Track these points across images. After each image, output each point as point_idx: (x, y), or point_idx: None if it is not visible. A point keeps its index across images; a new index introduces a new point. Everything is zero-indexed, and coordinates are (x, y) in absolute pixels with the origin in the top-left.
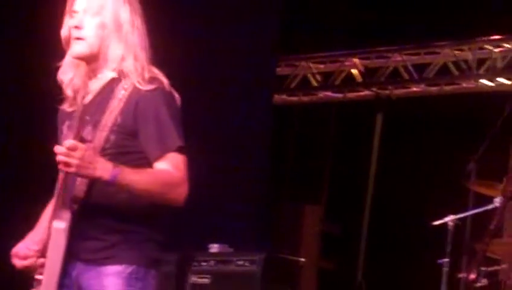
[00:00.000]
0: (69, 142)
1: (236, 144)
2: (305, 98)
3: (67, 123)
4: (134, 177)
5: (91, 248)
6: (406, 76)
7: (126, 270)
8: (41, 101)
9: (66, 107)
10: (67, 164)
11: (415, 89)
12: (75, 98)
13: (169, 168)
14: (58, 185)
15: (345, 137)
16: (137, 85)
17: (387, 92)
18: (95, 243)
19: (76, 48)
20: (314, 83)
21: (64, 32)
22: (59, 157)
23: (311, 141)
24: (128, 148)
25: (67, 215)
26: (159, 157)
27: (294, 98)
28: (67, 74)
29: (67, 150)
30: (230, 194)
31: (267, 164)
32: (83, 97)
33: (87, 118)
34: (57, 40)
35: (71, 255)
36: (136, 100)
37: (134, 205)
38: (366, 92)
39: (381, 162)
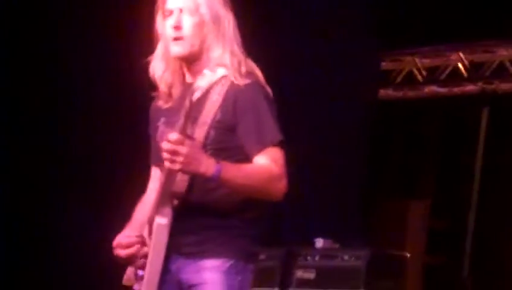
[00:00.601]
0: (174, 135)
1: (340, 139)
2: (411, 93)
3: (163, 120)
4: (236, 173)
5: (190, 242)
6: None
7: (225, 265)
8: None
9: (160, 103)
10: (173, 161)
11: None
12: (169, 94)
13: (268, 163)
14: (161, 180)
15: (451, 132)
16: (234, 80)
17: (493, 86)
18: (195, 237)
19: (177, 49)
20: (420, 78)
21: (160, 30)
22: (164, 155)
23: (417, 136)
24: (227, 143)
25: (168, 210)
26: (258, 152)
27: (400, 93)
28: (159, 69)
29: (173, 143)
30: (334, 189)
31: (369, 159)
32: (192, 93)
33: (181, 111)
34: (144, 38)
35: (171, 250)
36: (234, 95)
37: (233, 200)
38: (472, 87)
39: (487, 157)
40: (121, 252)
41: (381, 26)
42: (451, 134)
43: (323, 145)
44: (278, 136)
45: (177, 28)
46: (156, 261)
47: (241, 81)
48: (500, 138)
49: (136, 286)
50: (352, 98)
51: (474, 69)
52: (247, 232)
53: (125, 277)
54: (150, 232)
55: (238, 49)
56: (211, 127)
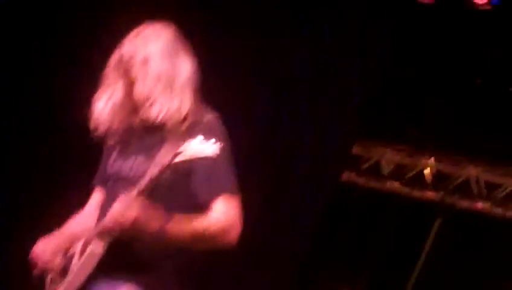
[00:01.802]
0: (117, 207)
1: (291, 207)
2: (373, 183)
3: (118, 147)
4: (185, 224)
5: (117, 269)
6: (475, 190)
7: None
8: None
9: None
10: (120, 226)
11: (480, 205)
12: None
13: (221, 212)
14: (100, 205)
15: (399, 232)
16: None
17: (452, 200)
18: (122, 270)
19: (143, 112)
20: (385, 171)
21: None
22: (107, 224)
23: (367, 225)
24: (179, 187)
25: (105, 242)
26: (211, 199)
27: (362, 180)
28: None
29: (118, 220)
30: (272, 259)
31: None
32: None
33: (140, 146)
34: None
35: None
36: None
37: (165, 249)
38: (432, 194)
39: (426, 266)
40: (39, 263)
41: (363, 110)
42: (399, 234)
43: (275, 207)
44: (233, 185)
45: (145, 98)
46: (74, 284)
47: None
48: (445, 252)
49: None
50: (316, 171)
51: (440, 178)
52: (169, 279)
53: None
54: (81, 253)
55: (195, 96)
56: (166, 168)
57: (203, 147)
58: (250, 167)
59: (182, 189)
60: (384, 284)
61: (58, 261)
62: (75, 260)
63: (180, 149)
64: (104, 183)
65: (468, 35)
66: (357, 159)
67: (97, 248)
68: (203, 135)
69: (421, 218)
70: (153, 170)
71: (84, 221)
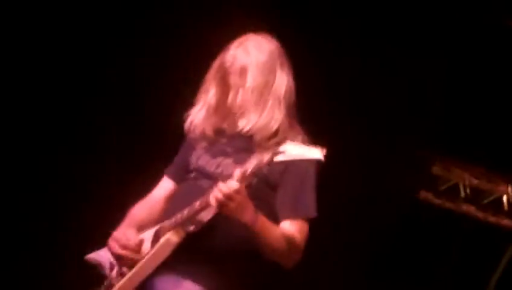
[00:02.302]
0: (234, 184)
1: (366, 221)
2: (449, 204)
3: (204, 145)
4: (268, 231)
5: (186, 263)
6: None
7: None
8: None
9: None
10: (224, 204)
11: None
12: (218, 132)
13: (295, 233)
14: (177, 198)
15: (470, 256)
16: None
17: None
18: (193, 264)
19: (234, 121)
20: (463, 194)
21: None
22: (218, 195)
23: (437, 244)
24: (263, 196)
25: (182, 232)
26: (289, 218)
27: (438, 201)
28: (205, 117)
29: (231, 191)
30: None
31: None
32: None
33: (229, 149)
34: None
35: (163, 267)
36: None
37: (244, 250)
38: (508, 222)
39: None
40: (115, 248)
41: (447, 132)
42: (469, 258)
43: (349, 220)
44: (313, 213)
45: (237, 107)
46: (145, 270)
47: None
48: None
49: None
50: (393, 189)
51: None
52: (242, 280)
53: (97, 257)
54: (154, 241)
55: (295, 115)
56: (254, 176)
57: (308, 149)
58: (328, 182)
59: (264, 197)
60: None
61: (129, 254)
62: (145, 248)
63: (281, 149)
64: (178, 175)
65: None
66: (437, 178)
67: (174, 237)
68: None
69: (495, 244)
70: (242, 177)
71: (150, 208)
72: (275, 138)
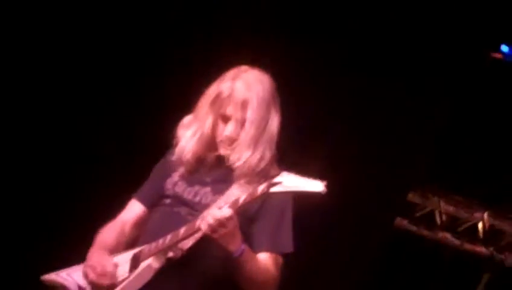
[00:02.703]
0: (227, 212)
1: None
2: (425, 232)
3: (181, 172)
4: (251, 262)
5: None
6: None
7: None
8: None
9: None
10: (214, 230)
11: None
12: (196, 162)
13: (272, 266)
14: (157, 223)
15: (446, 281)
16: (258, 188)
17: (502, 257)
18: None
19: (225, 151)
20: (438, 221)
21: (208, 113)
22: (210, 221)
23: (414, 271)
24: (240, 226)
25: (163, 259)
26: (267, 251)
27: (414, 228)
28: (191, 144)
29: (224, 218)
30: None
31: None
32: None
33: (207, 179)
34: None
35: None
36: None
37: (221, 278)
38: (482, 249)
39: None
40: (92, 275)
41: (423, 160)
42: (446, 284)
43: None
44: (290, 249)
45: (232, 139)
46: None
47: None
48: None
49: None
50: (370, 218)
51: (492, 234)
52: None
53: (59, 279)
54: (132, 266)
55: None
56: (259, 196)
57: (308, 181)
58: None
59: (240, 226)
60: None
61: (106, 282)
62: (121, 273)
63: (277, 179)
64: (149, 200)
65: None
66: (413, 206)
67: (155, 263)
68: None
69: (470, 271)
70: (239, 197)
71: (119, 232)
72: (258, 174)
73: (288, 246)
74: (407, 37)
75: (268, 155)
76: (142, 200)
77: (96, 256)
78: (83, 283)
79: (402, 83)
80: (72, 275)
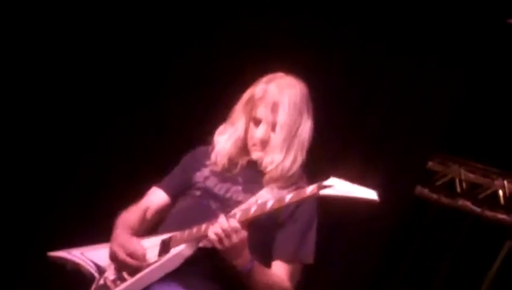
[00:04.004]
0: (235, 223)
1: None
2: (445, 200)
3: (210, 168)
4: (259, 278)
5: (192, 275)
6: None
7: None
8: None
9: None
10: (220, 241)
11: None
12: (232, 163)
13: (286, 278)
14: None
15: (467, 251)
16: (306, 189)
17: None
18: (198, 278)
19: (257, 155)
20: (459, 189)
21: (241, 116)
22: (217, 230)
23: (434, 241)
24: (265, 228)
25: (194, 247)
26: (284, 260)
27: (435, 196)
28: (226, 146)
29: (230, 229)
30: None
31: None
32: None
33: (239, 178)
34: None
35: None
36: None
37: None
38: (504, 216)
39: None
40: (121, 254)
41: (443, 128)
42: (469, 252)
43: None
44: (310, 260)
45: (263, 142)
46: (150, 278)
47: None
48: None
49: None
50: (389, 185)
51: None
52: None
53: (71, 257)
54: (162, 251)
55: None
56: (260, 217)
57: (361, 188)
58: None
59: (261, 234)
60: None
61: (135, 263)
62: (150, 256)
63: (327, 182)
64: (174, 190)
65: None
66: (433, 174)
67: (187, 251)
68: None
69: (492, 238)
70: (262, 206)
71: (142, 216)
72: (289, 179)
73: (310, 258)
74: (421, 5)
75: (299, 160)
76: (166, 190)
77: (125, 236)
78: (102, 262)
79: (418, 52)
80: (86, 254)
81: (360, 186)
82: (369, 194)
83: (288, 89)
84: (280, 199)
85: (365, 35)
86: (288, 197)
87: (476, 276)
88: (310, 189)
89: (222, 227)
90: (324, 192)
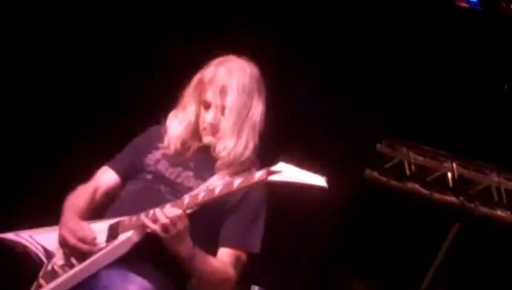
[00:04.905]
0: (177, 211)
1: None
2: (394, 183)
3: (162, 152)
4: (203, 265)
5: (140, 261)
6: (495, 198)
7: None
8: None
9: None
10: (165, 230)
11: (499, 213)
12: (180, 146)
13: (230, 265)
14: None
15: (417, 233)
16: (254, 174)
17: (472, 206)
18: (145, 264)
19: (207, 139)
20: (408, 172)
21: (191, 100)
22: (161, 218)
23: (385, 224)
24: (212, 216)
25: (142, 233)
26: (232, 247)
27: (384, 179)
28: (178, 129)
29: (176, 219)
30: (291, 250)
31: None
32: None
33: (190, 163)
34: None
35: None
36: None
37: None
38: (452, 199)
39: (440, 270)
40: (70, 238)
41: (392, 111)
42: (417, 235)
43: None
44: (257, 249)
45: (213, 126)
46: (98, 264)
47: (258, 177)
48: (460, 259)
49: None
50: (339, 169)
51: (462, 183)
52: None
53: (20, 240)
54: (110, 236)
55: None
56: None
57: (309, 175)
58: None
59: (210, 220)
60: (398, 284)
61: (87, 248)
62: (98, 243)
63: (276, 168)
64: (125, 171)
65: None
66: (382, 156)
67: (135, 237)
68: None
69: (441, 221)
70: (210, 192)
71: (91, 198)
72: (241, 164)
73: (256, 247)
74: None
75: (251, 144)
76: (117, 170)
77: (74, 220)
78: (51, 246)
79: (370, 35)
80: (35, 237)
81: (308, 172)
82: (318, 180)
83: (238, 72)
84: (228, 184)
85: (318, 19)
86: (237, 182)
87: (424, 258)
88: (259, 175)
89: (167, 215)
90: (273, 178)
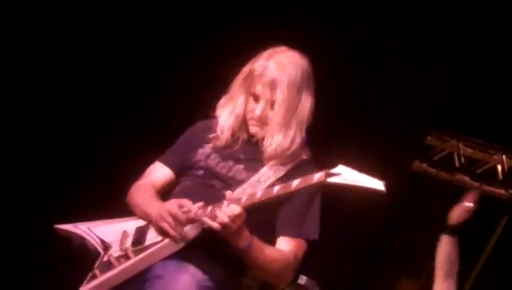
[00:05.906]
0: (237, 209)
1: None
2: (443, 174)
3: (212, 145)
4: (263, 254)
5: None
6: None
7: (204, 281)
8: None
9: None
10: (225, 227)
11: None
12: (230, 138)
13: (291, 253)
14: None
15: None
16: (313, 175)
17: None
18: (200, 259)
19: (254, 129)
20: (457, 164)
21: (241, 91)
22: (221, 217)
23: (433, 216)
24: (266, 207)
25: (199, 228)
26: (290, 236)
27: (433, 170)
28: (228, 120)
29: (235, 216)
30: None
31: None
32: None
33: (240, 155)
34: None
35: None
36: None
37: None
38: (502, 192)
39: (488, 263)
40: (180, 214)
41: (442, 103)
42: (465, 228)
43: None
44: (315, 236)
45: (261, 119)
46: (151, 258)
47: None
48: (508, 249)
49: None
50: (387, 160)
51: (511, 176)
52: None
53: (78, 231)
54: None
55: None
56: (307, 187)
57: (368, 178)
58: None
59: (264, 211)
60: None
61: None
62: (152, 238)
63: (336, 170)
64: (178, 166)
65: None
66: (431, 148)
67: (192, 232)
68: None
69: (489, 214)
70: (268, 191)
71: (152, 191)
72: (289, 156)
73: (314, 234)
74: None
75: (298, 138)
76: (170, 165)
77: (160, 202)
78: (108, 238)
79: (416, 27)
80: (92, 229)
81: (367, 176)
82: (376, 184)
83: (288, 66)
84: (286, 186)
85: (369, 12)
86: (295, 183)
87: (473, 251)
88: (317, 176)
89: (227, 214)
90: (331, 180)
